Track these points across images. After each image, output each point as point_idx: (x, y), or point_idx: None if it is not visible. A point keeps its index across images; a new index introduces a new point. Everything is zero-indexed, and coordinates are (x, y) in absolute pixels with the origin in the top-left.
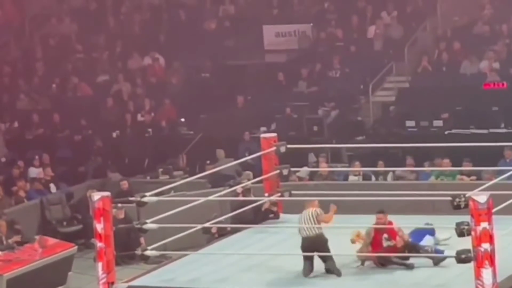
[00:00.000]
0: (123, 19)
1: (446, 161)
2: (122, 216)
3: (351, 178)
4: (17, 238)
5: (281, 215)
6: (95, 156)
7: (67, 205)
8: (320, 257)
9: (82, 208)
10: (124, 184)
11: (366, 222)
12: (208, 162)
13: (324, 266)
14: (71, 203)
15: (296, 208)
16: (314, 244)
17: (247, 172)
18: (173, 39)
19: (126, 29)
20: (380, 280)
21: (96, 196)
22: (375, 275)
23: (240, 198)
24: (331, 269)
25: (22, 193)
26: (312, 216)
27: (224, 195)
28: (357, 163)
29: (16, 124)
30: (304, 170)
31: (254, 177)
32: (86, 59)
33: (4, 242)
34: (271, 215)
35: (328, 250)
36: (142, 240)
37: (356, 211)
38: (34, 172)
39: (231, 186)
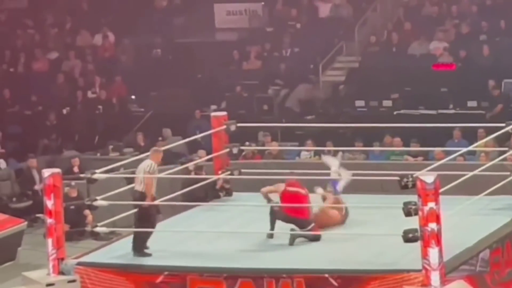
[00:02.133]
0: None
1: (397, 139)
2: (75, 194)
3: (303, 154)
4: None
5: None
6: (45, 132)
7: (17, 181)
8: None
9: (31, 184)
10: (75, 161)
11: (314, 201)
12: (160, 139)
13: None
14: (20, 179)
15: (246, 186)
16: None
17: (201, 150)
18: (124, 16)
19: (75, 6)
20: (328, 256)
21: (47, 172)
22: (321, 250)
23: (191, 176)
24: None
25: None
26: (145, 170)
27: (176, 173)
28: (309, 141)
29: None
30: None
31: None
32: (37, 34)
33: None
34: (224, 193)
35: (143, 214)
36: (89, 217)
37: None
38: None
39: (182, 164)
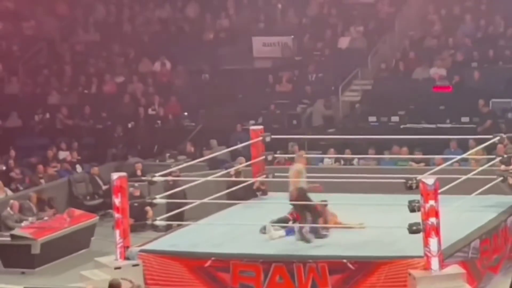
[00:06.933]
0: (138, 30)
1: (404, 149)
2: (137, 194)
3: (326, 161)
4: (50, 212)
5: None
6: (114, 143)
7: (90, 183)
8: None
9: (100, 186)
10: (138, 166)
11: (336, 199)
12: (204, 148)
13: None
14: (92, 181)
15: (279, 187)
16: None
17: (240, 157)
18: (178, 47)
19: (139, 38)
20: (346, 245)
21: (115, 176)
22: (340, 240)
23: (233, 179)
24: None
25: (53, 172)
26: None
27: (220, 176)
28: (331, 150)
29: (47, 116)
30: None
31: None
32: (106, 62)
33: (35, 212)
34: (260, 192)
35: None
36: (150, 213)
37: (328, 191)
38: (63, 155)
39: (226, 169)
